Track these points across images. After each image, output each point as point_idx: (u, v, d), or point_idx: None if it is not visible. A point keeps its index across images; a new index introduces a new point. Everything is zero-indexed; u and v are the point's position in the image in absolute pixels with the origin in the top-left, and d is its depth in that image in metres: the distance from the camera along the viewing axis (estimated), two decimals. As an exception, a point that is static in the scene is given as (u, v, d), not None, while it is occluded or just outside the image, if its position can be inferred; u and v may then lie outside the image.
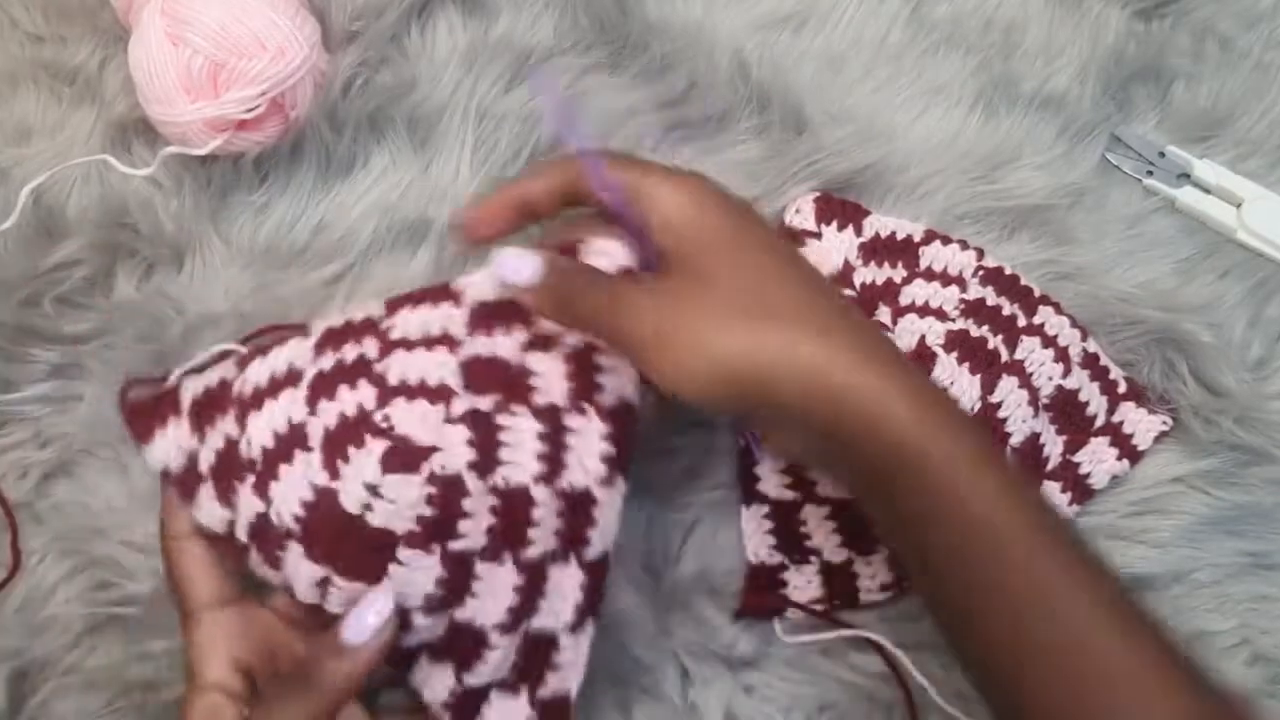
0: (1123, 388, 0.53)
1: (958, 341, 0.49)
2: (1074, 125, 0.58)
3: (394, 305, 0.46)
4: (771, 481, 0.52)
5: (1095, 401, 0.52)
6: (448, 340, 0.44)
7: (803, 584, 0.52)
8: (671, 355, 0.41)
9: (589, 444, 0.44)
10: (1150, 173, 0.57)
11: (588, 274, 0.44)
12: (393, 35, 0.57)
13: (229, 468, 0.44)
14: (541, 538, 0.44)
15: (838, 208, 0.55)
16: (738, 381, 0.41)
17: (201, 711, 0.42)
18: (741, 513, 0.53)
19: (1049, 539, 0.40)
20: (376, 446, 0.41)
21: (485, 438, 0.42)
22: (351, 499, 0.41)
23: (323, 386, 0.43)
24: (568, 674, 0.46)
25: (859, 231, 0.55)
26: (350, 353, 0.44)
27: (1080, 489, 0.51)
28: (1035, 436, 0.50)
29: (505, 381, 0.44)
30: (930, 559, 0.42)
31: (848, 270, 0.55)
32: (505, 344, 0.44)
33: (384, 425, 0.42)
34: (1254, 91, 0.58)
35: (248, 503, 0.43)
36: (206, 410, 0.45)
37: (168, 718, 0.50)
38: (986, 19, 0.60)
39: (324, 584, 0.42)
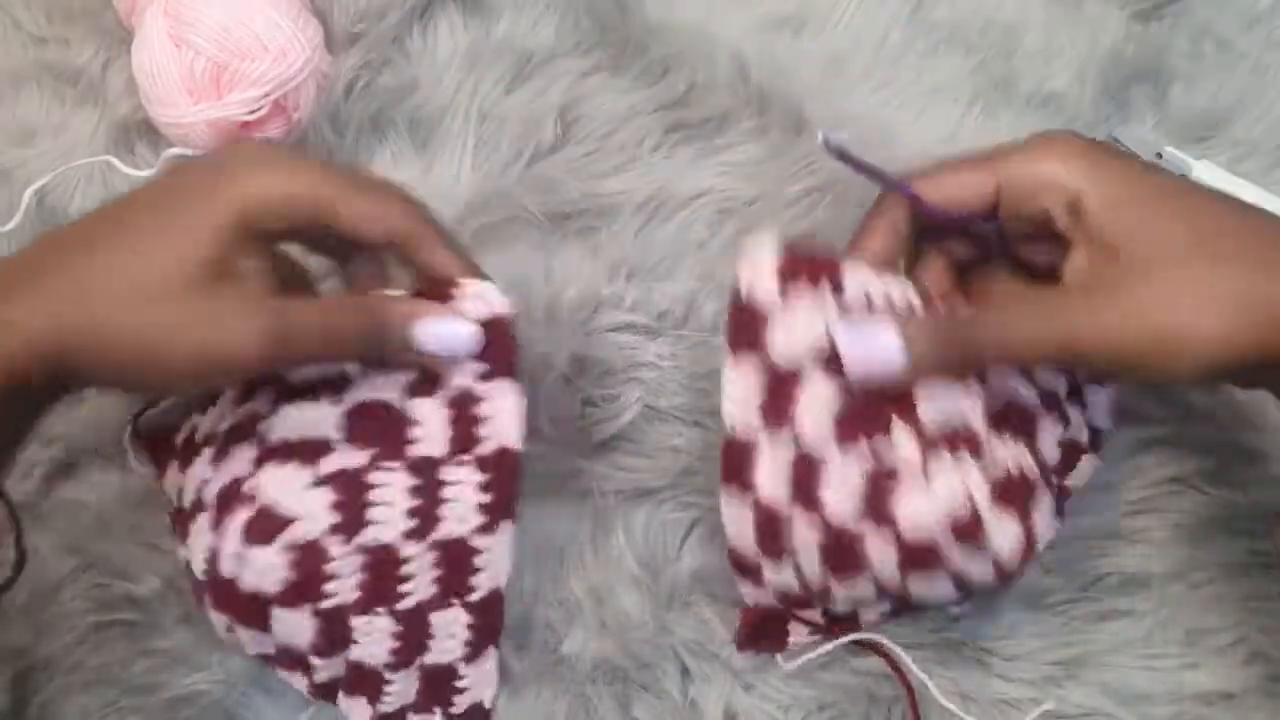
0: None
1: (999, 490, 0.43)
2: (1073, 126, 0.58)
3: None
4: (768, 482, 0.50)
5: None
6: (334, 384, 0.45)
7: (779, 580, 0.48)
8: (1167, 358, 0.38)
9: (465, 494, 0.45)
10: (1149, 173, 0.57)
11: (972, 316, 0.42)
12: (394, 37, 0.58)
13: (180, 515, 0.47)
14: (417, 589, 0.45)
15: (804, 261, 0.43)
16: (1248, 357, 0.38)
17: None
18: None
19: None
20: (241, 515, 0.43)
21: (351, 499, 0.43)
22: (227, 563, 0.43)
23: (223, 448, 0.45)
24: (477, 690, 0.49)
25: (837, 287, 0.44)
26: (249, 408, 0.45)
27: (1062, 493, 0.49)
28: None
29: (384, 431, 0.44)
30: None
31: (833, 356, 0.43)
32: (388, 385, 0.44)
33: (251, 493, 0.43)
34: (1252, 92, 0.58)
35: (181, 551, 0.46)
36: (184, 455, 0.48)
37: (171, 716, 0.50)
38: (986, 20, 0.60)
39: (231, 630, 0.45)
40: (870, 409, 0.43)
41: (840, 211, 0.55)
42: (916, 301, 0.44)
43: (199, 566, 0.44)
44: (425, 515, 0.44)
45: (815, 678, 0.51)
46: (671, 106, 0.57)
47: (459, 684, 0.49)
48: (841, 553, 0.44)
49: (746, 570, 0.48)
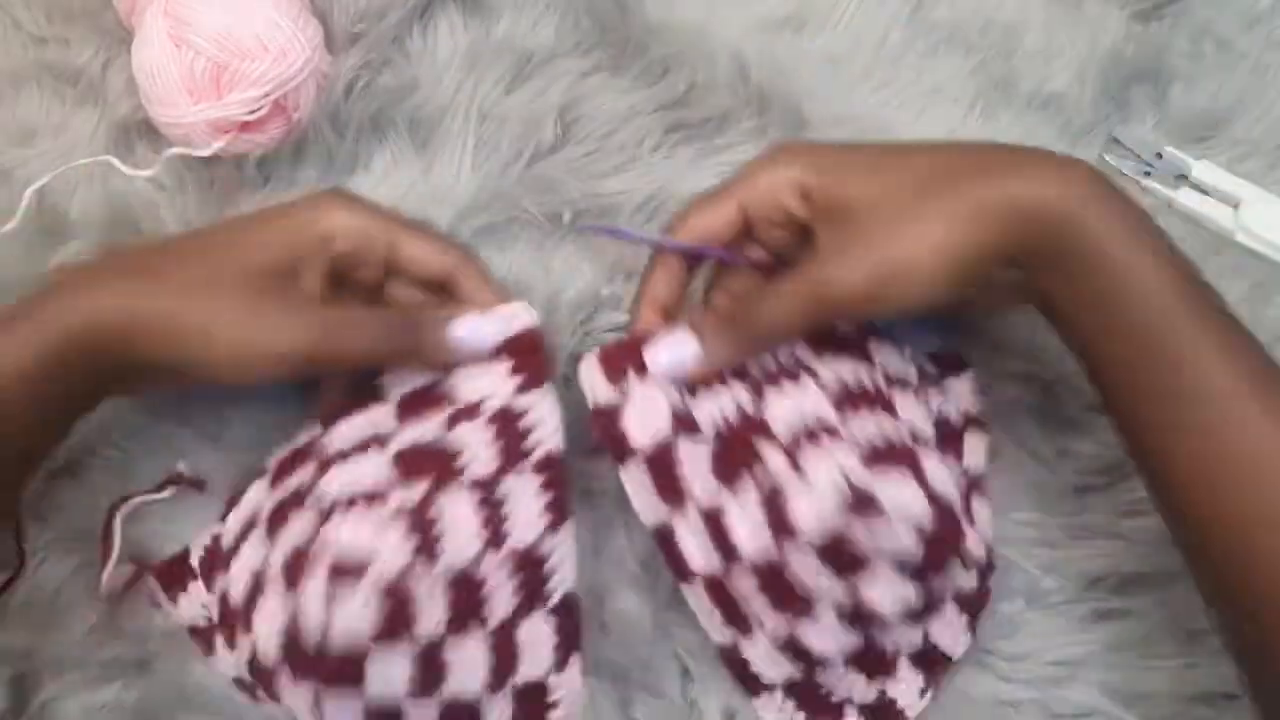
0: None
1: (878, 456, 0.45)
2: (1073, 126, 0.58)
3: (329, 418, 0.49)
4: (770, 669, 0.49)
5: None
6: (377, 441, 0.47)
7: (760, 656, 0.49)
8: (900, 282, 0.43)
9: (526, 502, 0.46)
10: (1148, 173, 0.57)
11: (760, 303, 0.46)
12: (395, 37, 0.58)
13: (227, 615, 0.48)
14: (499, 604, 0.46)
15: (623, 352, 0.47)
16: (966, 260, 0.43)
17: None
18: (756, 706, 0.50)
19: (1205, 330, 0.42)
20: (318, 571, 0.43)
21: (422, 531, 0.44)
22: (312, 621, 0.43)
23: (276, 522, 0.46)
24: (567, 710, 0.48)
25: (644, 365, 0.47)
26: (294, 481, 0.47)
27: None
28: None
29: (435, 464, 0.46)
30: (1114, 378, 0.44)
31: (686, 418, 0.46)
32: (430, 427, 0.47)
33: (324, 547, 0.44)
34: (1252, 92, 0.58)
35: (243, 645, 0.46)
36: (208, 569, 0.50)
37: (173, 712, 0.50)
38: (986, 20, 0.60)
39: (317, 703, 0.45)
40: (734, 446, 0.46)
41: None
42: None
43: (273, 645, 0.44)
44: (493, 530, 0.45)
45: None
46: (671, 106, 0.57)
47: (550, 698, 0.48)
48: (779, 588, 0.45)
49: (736, 666, 0.49)
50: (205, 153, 0.53)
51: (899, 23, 0.59)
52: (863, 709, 0.49)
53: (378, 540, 0.44)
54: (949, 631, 0.49)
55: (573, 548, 0.47)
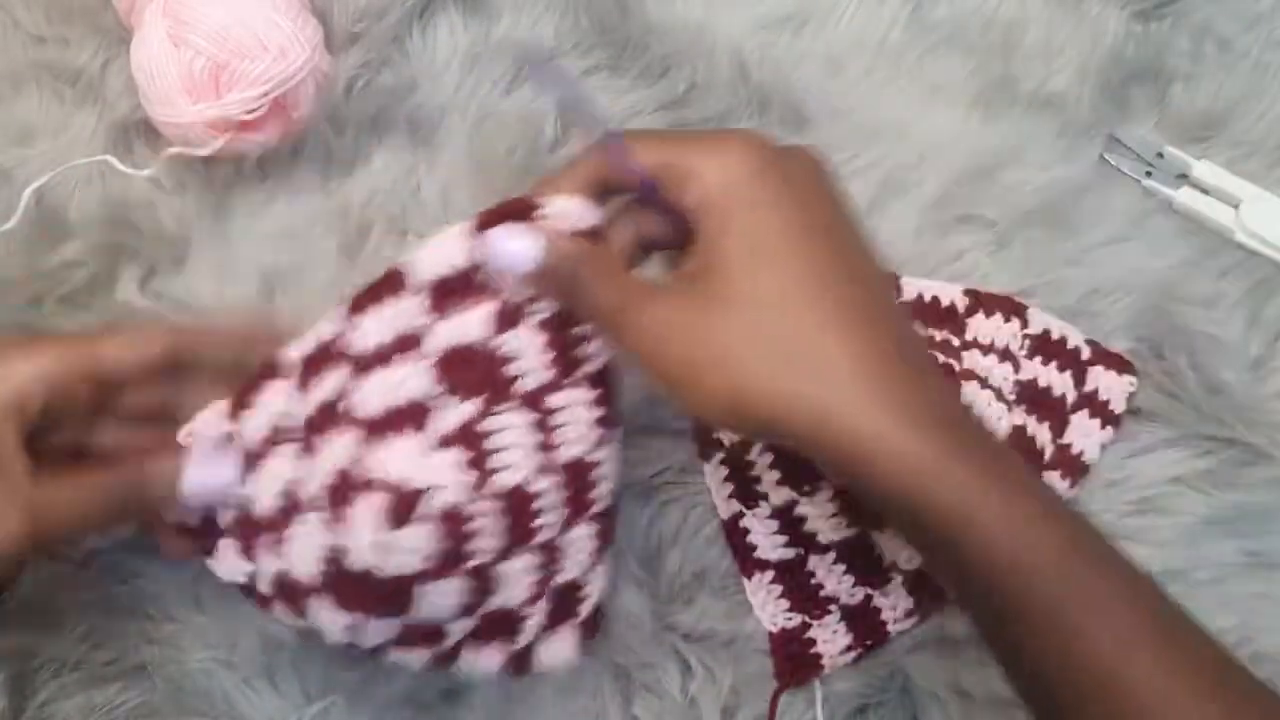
0: (1086, 354, 0.53)
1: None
2: (1073, 126, 0.58)
3: (353, 309, 0.44)
4: (769, 545, 0.51)
5: (1059, 381, 0.53)
6: (412, 341, 0.43)
7: (829, 636, 0.51)
8: (692, 386, 0.39)
9: (578, 415, 0.44)
10: (1149, 173, 0.57)
11: (599, 265, 0.41)
12: (394, 36, 0.57)
13: (246, 526, 0.45)
14: (549, 521, 0.44)
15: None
16: (758, 424, 0.39)
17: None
18: (746, 586, 0.52)
19: (1078, 569, 0.37)
20: (370, 503, 0.41)
21: (474, 452, 0.42)
22: (364, 555, 0.41)
23: (312, 439, 0.44)
24: (595, 593, 0.48)
25: (899, 291, 0.54)
26: (329, 386, 0.44)
27: (1076, 468, 0.52)
28: (1021, 429, 0.51)
29: (484, 376, 0.42)
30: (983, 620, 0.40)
31: None
32: (473, 324, 0.43)
33: (371, 476, 0.41)
34: (1252, 92, 0.58)
35: (267, 560, 0.44)
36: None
37: (172, 710, 0.50)
38: (986, 20, 0.60)
39: (354, 627, 0.43)
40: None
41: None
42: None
43: (310, 570, 0.43)
44: (546, 445, 0.43)
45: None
46: (671, 106, 0.57)
47: (581, 593, 0.47)
48: (791, 460, 0.50)
49: (737, 540, 0.52)
50: (204, 152, 0.53)
51: (899, 23, 0.59)
52: (846, 610, 0.51)
53: (431, 469, 0.41)
54: None
55: (619, 454, 0.45)
